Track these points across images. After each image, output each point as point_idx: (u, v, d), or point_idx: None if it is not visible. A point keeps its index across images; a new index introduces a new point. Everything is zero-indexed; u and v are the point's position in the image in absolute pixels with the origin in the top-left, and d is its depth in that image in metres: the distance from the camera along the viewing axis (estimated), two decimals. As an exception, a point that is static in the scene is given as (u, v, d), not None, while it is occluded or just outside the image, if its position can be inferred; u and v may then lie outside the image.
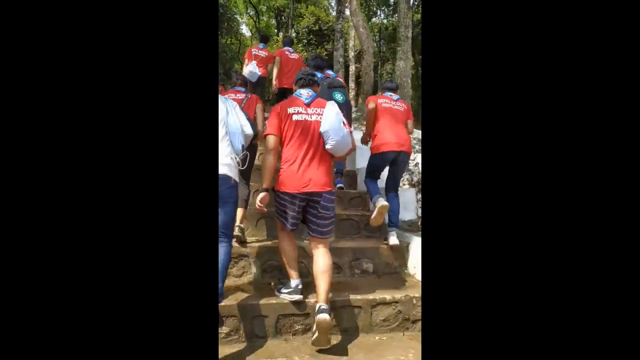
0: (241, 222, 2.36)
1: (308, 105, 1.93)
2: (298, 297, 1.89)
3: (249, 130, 1.98)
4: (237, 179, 1.82)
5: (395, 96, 2.79)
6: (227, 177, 1.72)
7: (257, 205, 1.92)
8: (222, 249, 1.72)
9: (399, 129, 2.62)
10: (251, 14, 16.88)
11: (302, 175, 1.84)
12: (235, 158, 1.82)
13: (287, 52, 4.54)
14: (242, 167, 1.88)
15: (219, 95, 1.88)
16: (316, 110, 1.92)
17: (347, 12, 8.30)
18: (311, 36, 13.13)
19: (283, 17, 15.79)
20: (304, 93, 1.98)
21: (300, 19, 14.05)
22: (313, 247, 1.94)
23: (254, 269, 2.27)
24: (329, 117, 1.86)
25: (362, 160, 3.50)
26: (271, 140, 1.89)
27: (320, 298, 1.75)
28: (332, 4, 17.56)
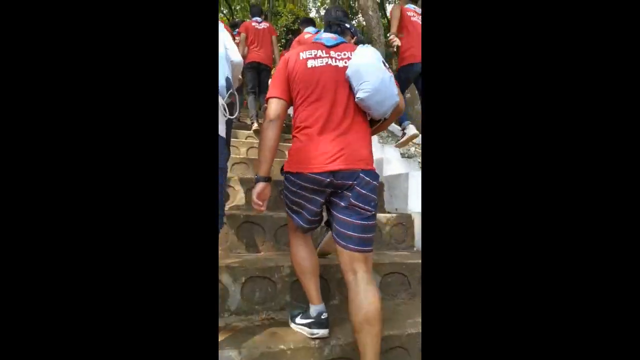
0: None
1: (331, 47, 1.31)
2: (322, 331, 1.25)
3: (236, 56, 1.40)
4: (222, 133, 1.24)
5: (419, 9, 2.68)
6: None
7: (253, 202, 1.30)
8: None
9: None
10: (225, 12, 16.34)
11: (326, 147, 1.18)
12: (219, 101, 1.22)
13: (254, 24, 4.06)
14: (229, 115, 1.28)
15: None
16: (343, 54, 1.29)
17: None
18: (290, 35, 12.74)
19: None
20: (327, 35, 1.36)
21: (278, 17, 13.63)
22: (347, 270, 1.18)
23: (234, 300, 1.58)
24: (362, 55, 1.22)
25: (389, 167, 2.99)
26: (272, 105, 1.28)
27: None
28: (310, 4, 17.36)
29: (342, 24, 1.44)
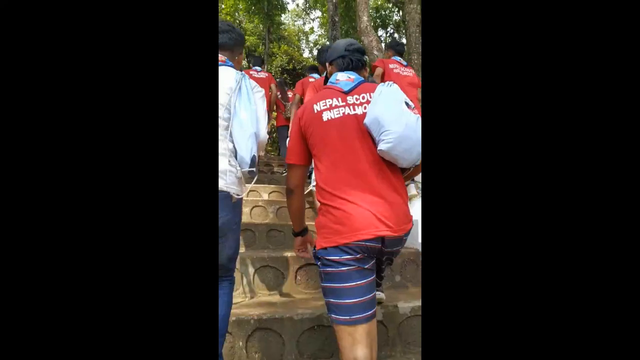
0: None
1: (348, 93, 1.13)
2: None
3: (264, 134, 1.30)
4: (240, 194, 1.24)
5: (403, 61, 2.78)
6: (226, 195, 1.17)
7: (297, 254, 1.33)
8: (222, 296, 1.22)
9: (409, 96, 1.95)
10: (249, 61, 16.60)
11: (364, 214, 1.02)
12: (237, 170, 1.22)
13: (252, 72, 4.18)
14: (249, 182, 1.28)
15: (232, 69, 1.29)
16: (362, 98, 1.12)
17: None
18: (285, 75, 12.79)
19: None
20: (343, 77, 1.16)
21: (273, 58, 13.76)
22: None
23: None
24: (381, 100, 1.06)
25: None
26: (291, 174, 1.17)
27: None
28: (303, 45, 17.71)
29: (360, 58, 1.22)
